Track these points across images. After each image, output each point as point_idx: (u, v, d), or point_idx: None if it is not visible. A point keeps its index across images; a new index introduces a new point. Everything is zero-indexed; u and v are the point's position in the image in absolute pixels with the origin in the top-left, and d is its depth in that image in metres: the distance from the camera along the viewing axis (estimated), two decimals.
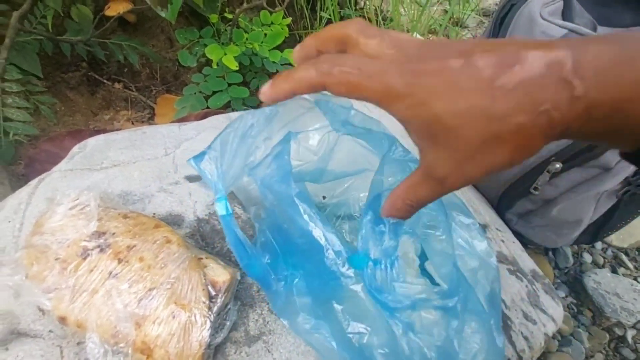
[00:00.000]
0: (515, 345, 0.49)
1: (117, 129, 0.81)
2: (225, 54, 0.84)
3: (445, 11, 1.38)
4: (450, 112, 0.21)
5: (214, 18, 0.90)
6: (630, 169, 0.56)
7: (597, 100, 0.19)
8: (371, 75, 0.22)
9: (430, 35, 1.32)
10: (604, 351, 0.70)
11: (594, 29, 0.58)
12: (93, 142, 0.55)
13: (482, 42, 0.21)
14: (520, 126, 0.20)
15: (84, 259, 0.34)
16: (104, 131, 0.60)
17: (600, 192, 0.60)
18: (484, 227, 0.63)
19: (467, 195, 0.68)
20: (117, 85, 0.89)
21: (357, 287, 0.32)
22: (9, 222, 0.43)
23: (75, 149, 0.55)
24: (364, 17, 1.21)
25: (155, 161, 0.54)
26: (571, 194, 0.59)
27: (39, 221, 0.38)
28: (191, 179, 0.51)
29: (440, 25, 1.29)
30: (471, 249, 0.41)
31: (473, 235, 0.41)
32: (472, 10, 1.42)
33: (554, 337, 0.68)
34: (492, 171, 0.22)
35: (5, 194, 0.60)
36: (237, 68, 0.84)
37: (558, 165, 0.55)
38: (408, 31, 1.20)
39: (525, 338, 0.51)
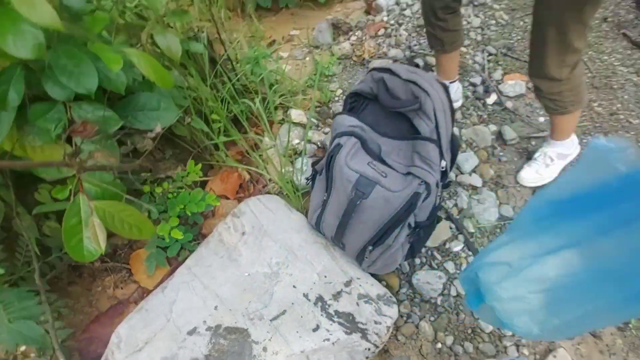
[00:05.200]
0: (370, 341, 1.06)
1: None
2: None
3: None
4: None
5: None
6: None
7: None
8: None
9: None
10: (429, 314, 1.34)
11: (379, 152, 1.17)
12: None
13: None
14: None
15: None
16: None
17: (400, 242, 1.21)
18: (349, 282, 1.20)
19: (339, 261, 1.24)
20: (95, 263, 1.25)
21: None
22: None
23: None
24: None
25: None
26: (386, 254, 1.19)
27: None
28: None
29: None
30: None
31: None
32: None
33: (401, 316, 1.30)
34: None
35: None
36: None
37: (371, 247, 1.14)
38: None
39: (377, 334, 1.09)
